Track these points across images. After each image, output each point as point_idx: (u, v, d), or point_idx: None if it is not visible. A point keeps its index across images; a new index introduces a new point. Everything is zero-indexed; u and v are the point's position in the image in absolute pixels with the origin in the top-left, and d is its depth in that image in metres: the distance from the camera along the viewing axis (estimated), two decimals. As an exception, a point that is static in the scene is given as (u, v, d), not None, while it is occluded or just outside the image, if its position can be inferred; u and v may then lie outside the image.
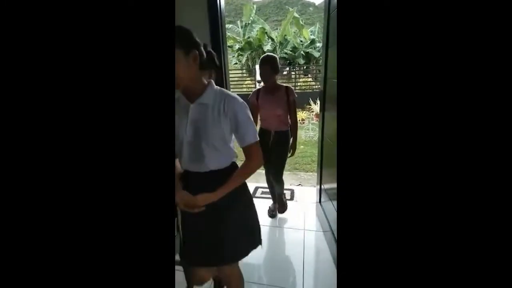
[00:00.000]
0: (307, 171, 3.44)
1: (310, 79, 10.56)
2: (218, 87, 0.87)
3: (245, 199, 0.97)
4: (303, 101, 6.72)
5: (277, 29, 16.63)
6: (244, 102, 0.85)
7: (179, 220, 0.97)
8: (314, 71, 11.36)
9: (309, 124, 5.54)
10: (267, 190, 2.15)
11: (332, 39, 1.59)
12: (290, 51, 13.18)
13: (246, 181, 0.95)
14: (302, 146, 4.44)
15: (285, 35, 13.31)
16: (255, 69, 9.39)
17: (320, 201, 2.02)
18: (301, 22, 13.56)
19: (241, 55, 13.52)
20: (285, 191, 2.21)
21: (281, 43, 13.35)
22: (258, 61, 1.70)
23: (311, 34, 13.66)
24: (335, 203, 1.58)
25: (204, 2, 1.59)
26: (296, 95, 1.76)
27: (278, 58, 1.72)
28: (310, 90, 8.88)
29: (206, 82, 0.86)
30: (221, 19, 1.65)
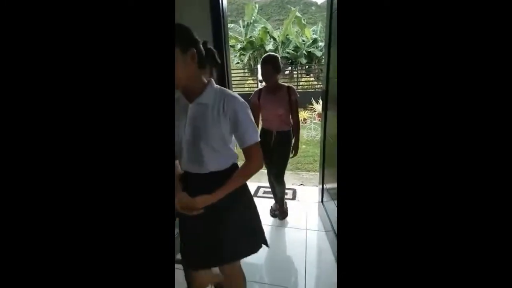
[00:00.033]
0: (309, 171, 3.43)
1: (312, 79, 10.55)
2: (218, 86, 0.85)
3: (245, 199, 0.96)
4: (305, 100, 6.71)
5: (279, 28, 16.59)
6: (245, 102, 0.83)
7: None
8: (316, 71, 11.34)
9: (311, 124, 5.53)
10: (269, 190, 2.15)
11: (334, 38, 1.58)
12: (292, 50, 13.16)
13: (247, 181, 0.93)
14: (304, 146, 4.44)
15: (287, 35, 13.29)
16: (257, 68, 9.38)
17: (322, 201, 2.02)
18: (303, 22, 13.55)
19: (243, 54, 13.51)
20: (287, 191, 2.21)
21: (283, 43, 13.33)
22: (260, 60, 1.70)
23: (313, 34, 13.64)
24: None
25: (207, 2, 1.59)
26: (298, 95, 1.76)
27: (280, 58, 1.71)
28: (312, 90, 8.87)
29: (206, 81, 0.84)
30: (223, 19, 1.65)
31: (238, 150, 0.91)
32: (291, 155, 1.87)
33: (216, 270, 1.06)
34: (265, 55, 1.70)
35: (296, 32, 13.69)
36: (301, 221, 2.03)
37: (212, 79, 0.86)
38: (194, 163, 0.86)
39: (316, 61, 13.05)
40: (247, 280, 1.11)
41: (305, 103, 6.92)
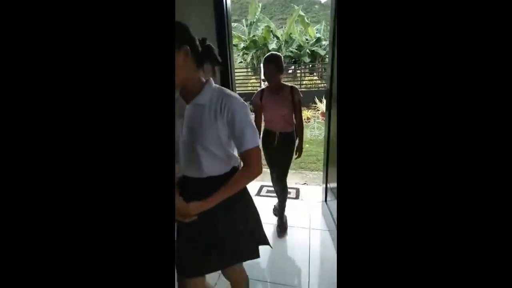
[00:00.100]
0: (312, 170, 3.42)
1: (315, 78, 10.50)
2: (217, 86, 0.80)
3: (244, 200, 0.91)
4: (308, 99, 6.70)
5: (282, 27, 16.53)
6: (244, 103, 0.78)
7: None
8: (320, 69, 11.29)
9: (314, 123, 5.51)
10: (273, 189, 2.15)
11: (338, 37, 1.57)
12: (296, 49, 13.11)
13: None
14: (307, 145, 4.43)
15: (291, 34, 13.24)
16: (260, 67, 9.37)
17: (325, 200, 2.02)
18: (307, 20, 13.45)
19: (246, 53, 13.49)
20: (290, 190, 2.20)
21: (286, 42, 13.28)
22: (262, 59, 1.69)
23: (316, 32, 13.56)
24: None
25: (210, 1, 1.60)
26: (301, 95, 1.73)
27: (282, 57, 1.69)
28: (316, 89, 8.84)
29: (204, 80, 0.79)
30: (227, 18, 1.65)
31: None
32: (294, 157, 1.85)
33: (208, 282, 1.00)
34: (267, 54, 1.68)
35: (300, 31, 13.64)
36: (305, 220, 2.03)
37: (211, 79, 0.81)
38: (192, 167, 0.82)
39: (320, 60, 12.98)
40: (250, 279, 1.11)
41: (309, 102, 6.90)
